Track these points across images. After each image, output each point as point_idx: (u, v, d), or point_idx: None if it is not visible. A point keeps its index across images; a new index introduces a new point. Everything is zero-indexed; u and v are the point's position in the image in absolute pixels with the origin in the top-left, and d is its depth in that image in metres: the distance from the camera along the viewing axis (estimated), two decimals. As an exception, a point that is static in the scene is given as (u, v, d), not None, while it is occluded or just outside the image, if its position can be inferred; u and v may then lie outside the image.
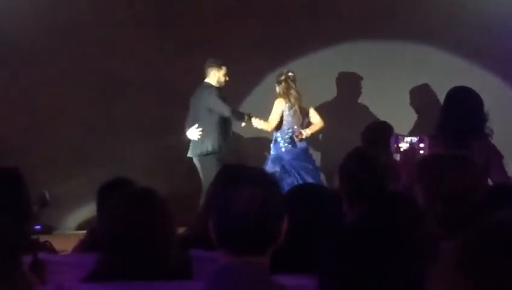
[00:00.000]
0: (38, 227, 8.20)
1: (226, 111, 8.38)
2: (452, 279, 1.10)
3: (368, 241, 1.61)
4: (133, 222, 2.78)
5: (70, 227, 9.11)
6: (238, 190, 2.23)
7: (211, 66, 8.45)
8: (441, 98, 9.00)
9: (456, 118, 5.22)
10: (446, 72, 9.12)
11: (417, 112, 9.30)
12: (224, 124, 8.46)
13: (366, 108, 9.40)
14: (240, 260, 2.22)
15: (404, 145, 5.05)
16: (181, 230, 3.57)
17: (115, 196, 2.98)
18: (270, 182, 2.35)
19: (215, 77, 8.44)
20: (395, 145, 5.08)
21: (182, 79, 8.80)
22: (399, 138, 5.13)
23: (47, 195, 8.77)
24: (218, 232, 2.25)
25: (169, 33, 9.19)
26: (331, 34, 9.28)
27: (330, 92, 9.42)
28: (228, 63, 8.48)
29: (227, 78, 8.47)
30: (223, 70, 8.44)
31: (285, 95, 8.57)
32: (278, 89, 8.62)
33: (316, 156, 9.17)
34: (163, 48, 9.14)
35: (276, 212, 2.27)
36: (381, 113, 9.17)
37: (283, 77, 8.61)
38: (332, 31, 9.27)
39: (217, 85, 8.45)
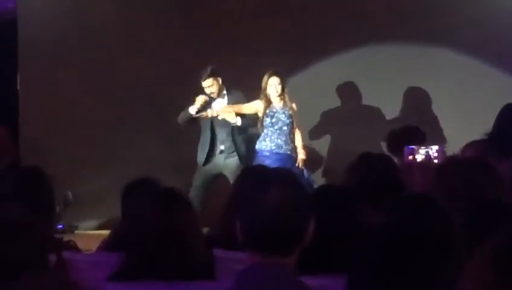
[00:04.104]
0: (60, 226, 8.26)
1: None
2: (488, 280, 1.09)
3: (399, 243, 1.61)
4: (157, 222, 2.79)
5: (93, 226, 9.15)
6: (266, 191, 2.22)
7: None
8: (465, 101, 9.05)
9: (505, 136, 5.25)
10: (469, 74, 9.10)
11: (439, 116, 9.27)
12: None
13: (387, 110, 9.36)
14: (266, 260, 2.21)
15: (419, 157, 5.05)
16: (204, 230, 3.58)
17: (140, 195, 2.99)
18: (296, 182, 2.36)
19: None
20: (411, 157, 5.06)
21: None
22: (414, 149, 5.11)
23: (69, 195, 8.85)
24: (245, 233, 2.25)
25: (196, 31, 9.20)
26: (355, 35, 9.26)
27: (351, 94, 9.40)
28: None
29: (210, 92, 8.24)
30: (203, 85, 8.23)
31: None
32: (282, 87, 8.27)
33: (335, 159, 9.16)
34: (191, 46, 9.14)
35: (304, 212, 2.27)
36: (403, 116, 9.16)
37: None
38: (356, 32, 9.24)
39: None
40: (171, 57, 9.10)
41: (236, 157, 8.29)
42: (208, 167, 8.31)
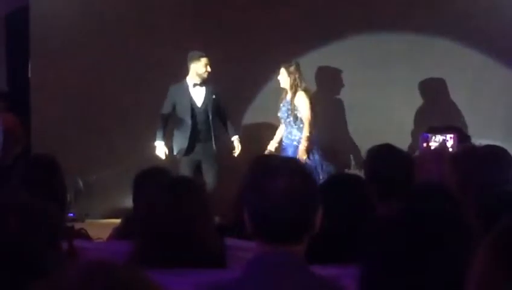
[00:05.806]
0: (71, 215, 8.29)
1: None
2: (486, 272, 1.10)
3: (411, 231, 1.61)
4: (169, 211, 2.79)
5: (103, 215, 9.16)
6: (275, 180, 2.22)
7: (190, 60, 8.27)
8: (475, 92, 9.02)
9: None
10: (478, 64, 9.07)
11: (450, 105, 9.24)
12: None
13: (396, 99, 9.33)
14: (275, 249, 2.22)
15: (434, 144, 5.02)
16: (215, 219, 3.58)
17: (151, 184, 3.00)
18: (305, 171, 2.36)
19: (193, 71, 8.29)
20: (425, 144, 5.03)
21: (220, 67, 8.78)
22: (429, 137, 5.07)
23: (80, 182, 8.86)
24: (254, 222, 2.25)
25: (207, 21, 9.20)
26: (364, 25, 9.24)
27: (359, 83, 9.37)
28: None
29: (207, 69, 8.24)
30: (202, 62, 8.23)
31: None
32: (290, 79, 8.35)
33: (348, 150, 9.16)
34: (202, 36, 9.13)
35: (312, 201, 2.27)
36: (412, 105, 9.15)
37: (295, 67, 8.41)
38: (365, 22, 9.22)
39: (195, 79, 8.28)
40: (182, 47, 9.09)
41: (212, 142, 8.25)
42: (191, 157, 8.24)
